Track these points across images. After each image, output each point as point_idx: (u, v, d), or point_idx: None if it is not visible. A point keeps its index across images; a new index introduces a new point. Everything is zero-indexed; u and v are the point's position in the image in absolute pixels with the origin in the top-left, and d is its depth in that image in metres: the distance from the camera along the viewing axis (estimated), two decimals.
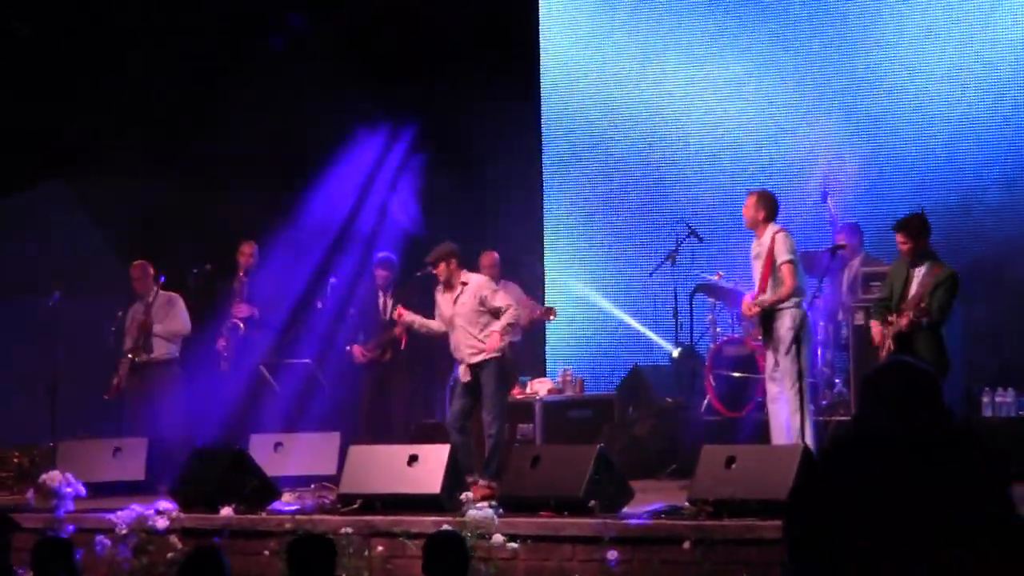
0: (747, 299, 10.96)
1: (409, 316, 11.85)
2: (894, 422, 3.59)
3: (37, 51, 14.80)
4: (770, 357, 10.81)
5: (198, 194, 14.86)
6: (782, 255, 10.63)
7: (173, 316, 13.53)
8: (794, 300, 10.64)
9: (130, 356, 13.30)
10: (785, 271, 10.62)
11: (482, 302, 11.38)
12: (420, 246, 14.20)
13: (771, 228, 10.77)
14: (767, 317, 10.71)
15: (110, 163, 14.68)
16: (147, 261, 13.66)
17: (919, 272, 10.38)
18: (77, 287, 13.90)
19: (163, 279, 13.51)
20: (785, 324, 10.55)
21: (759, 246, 10.83)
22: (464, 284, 11.47)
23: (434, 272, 11.57)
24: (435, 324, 11.71)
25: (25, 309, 14.09)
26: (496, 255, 13.46)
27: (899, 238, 10.56)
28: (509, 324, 11.47)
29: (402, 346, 13.32)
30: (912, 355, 9.51)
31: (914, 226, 10.48)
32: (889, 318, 10.39)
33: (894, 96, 16.16)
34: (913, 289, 10.33)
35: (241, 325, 13.94)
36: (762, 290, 10.73)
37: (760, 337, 11.12)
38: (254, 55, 15.26)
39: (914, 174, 15.94)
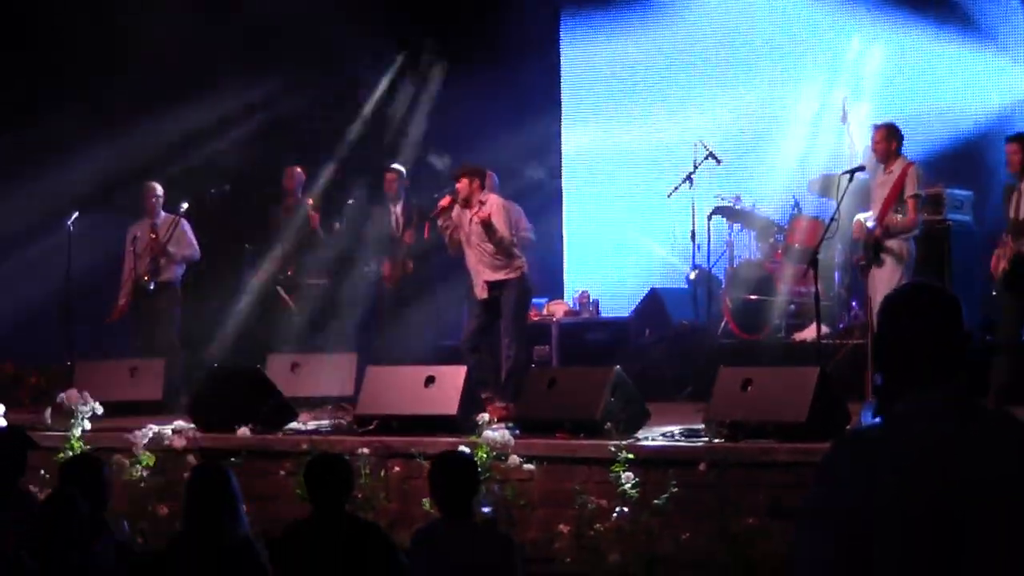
0: (860, 220, 10.87)
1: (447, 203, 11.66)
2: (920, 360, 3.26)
3: None
4: (873, 282, 10.73)
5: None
6: (912, 188, 10.73)
7: (187, 241, 13.51)
8: (914, 233, 10.77)
9: (146, 278, 13.28)
10: (911, 204, 10.70)
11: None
12: (435, 169, 14.19)
13: (903, 160, 10.81)
14: (877, 244, 10.68)
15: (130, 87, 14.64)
16: (156, 183, 13.65)
17: None
18: (93, 208, 13.88)
19: (184, 204, 13.50)
20: (897, 250, 10.61)
21: (885, 175, 10.77)
22: (481, 203, 11.41)
23: (456, 186, 11.52)
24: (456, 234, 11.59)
25: (42, 230, 14.05)
26: (494, 175, 12.49)
27: (1010, 148, 10.58)
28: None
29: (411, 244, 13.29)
30: None
31: None
32: (1000, 241, 10.50)
33: None
34: None
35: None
36: (883, 217, 10.67)
37: (862, 261, 10.98)
38: None
39: None
